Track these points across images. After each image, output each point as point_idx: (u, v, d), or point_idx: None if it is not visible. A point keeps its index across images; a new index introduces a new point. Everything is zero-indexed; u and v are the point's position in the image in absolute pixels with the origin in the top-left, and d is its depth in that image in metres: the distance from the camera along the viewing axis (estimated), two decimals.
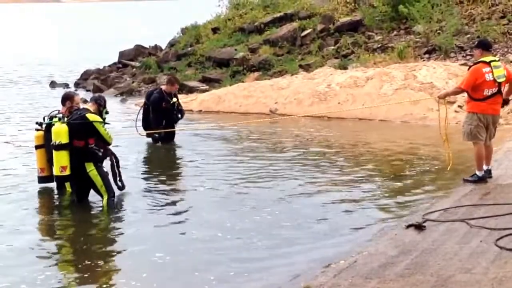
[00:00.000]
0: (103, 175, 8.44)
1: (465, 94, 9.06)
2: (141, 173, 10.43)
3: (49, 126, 8.70)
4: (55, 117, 8.73)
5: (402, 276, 5.82)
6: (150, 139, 12.29)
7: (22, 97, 20.02)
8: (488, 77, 8.50)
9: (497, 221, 7.08)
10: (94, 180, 8.37)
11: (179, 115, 12.32)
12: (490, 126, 8.73)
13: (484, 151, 8.77)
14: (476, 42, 9.58)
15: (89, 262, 6.66)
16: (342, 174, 9.89)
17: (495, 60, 8.80)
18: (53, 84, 22.88)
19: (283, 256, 6.72)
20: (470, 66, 9.01)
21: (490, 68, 8.53)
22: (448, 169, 9.38)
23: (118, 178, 8.77)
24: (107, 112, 8.70)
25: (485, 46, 8.93)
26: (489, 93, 8.55)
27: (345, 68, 17.32)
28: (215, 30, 23.03)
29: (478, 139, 8.66)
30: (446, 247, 6.44)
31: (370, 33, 19.88)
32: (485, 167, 8.83)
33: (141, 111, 12.36)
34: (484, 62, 8.60)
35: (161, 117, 12.09)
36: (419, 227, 7.06)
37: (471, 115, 8.70)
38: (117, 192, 8.57)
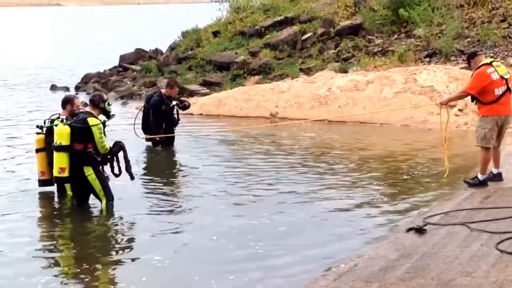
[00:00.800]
0: (102, 179, 8.42)
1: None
2: (140, 177, 10.40)
3: (50, 129, 8.71)
4: (58, 119, 8.74)
5: (403, 280, 5.81)
6: (149, 143, 12.30)
7: (23, 100, 19.99)
8: (495, 76, 8.55)
9: (497, 224, 7.08)
10: (93, 184, 8.36)
11: (179, 121, 12.34)
12: (503, 127, 8.74)
13: (493, 154, 8.78)
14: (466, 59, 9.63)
15: (88, 266, 6.66)
16: (342, 177, 9.87)
17: (495, 60, 8.92)
18: (53, 88, 22.86)
19: (283, 259, 6.71)
20: (472, 74, 9.02)
21: (493, 68, 8.59)
22: (445, 176, 9.36)
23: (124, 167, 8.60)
24: (109, 104, 8.63)
25: (472, 55, 9.06)
26: (501, 92, 8.57)
27: (345, 71, 17.32)
28: (215, 33, 23.05)
29: (490, 144, 8.65)
30: (447, 251, 6.43)
31: (370, 37, 19.89)
32: (494, 171, 8.84)
33: (140, 114, 12.38)
34: (486, 63, 8.65)
35: (161, 120, 12.10)
36: (419, 230, 7.05)
37: (485, 118, 8.67)
38: (116, 196, 8.54)
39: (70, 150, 8.26)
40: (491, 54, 15.98)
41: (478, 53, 9.08)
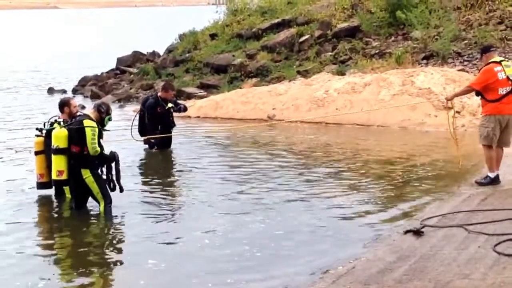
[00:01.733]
0: (100, 181, 8.42)
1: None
2: (137, 180, 10.40)
3: (49, 132, 8.72)
4: (56, 122, 8.75)
5: (401, 282, 5.83)
6: (146, 145, 12.28)
7: (21, 103, 19.98)
8: (501, 75, 8.63)
9: (495, 226, 7.11)
10: (91, 187, 8.36)
11: (174, 123, 12.33)
12: (508, 127, 8.76)
13: (496, 154, 8.82)
14: (480, 52, 9.71)
15: (85, 269, 6.66)
16: (339, 180, 9.88)
17: (505, 60, 9.02)
18: (51, 91, 22.84)
19: (280, 262, 6.71)
20: (480, 69, 9.09)
21: (501, 67, 8.66)
22: (460, 167, 9.54)
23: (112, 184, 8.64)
24: (110, 119, 8.66)
25: (485, 49, 9.14)
26: (504, 92, 8.64)
27: (342, 74, 17.33)
28: (213, 36, 23.05)
29: (494, 142, 8.70)
30: (444, 253, 6.45)
31: (367, 39, 19.90)
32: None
33: (137, 117, 12.37)
34: (495, 61, 8.72)
35: (156, 122, 12.07)
36: (417, 232, 7.07)
37: (488, 117, 8.74)
38: (114, 198, 8.54)
39: (68, 153, 8.27)
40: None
41: (491, 49, 9.09)
